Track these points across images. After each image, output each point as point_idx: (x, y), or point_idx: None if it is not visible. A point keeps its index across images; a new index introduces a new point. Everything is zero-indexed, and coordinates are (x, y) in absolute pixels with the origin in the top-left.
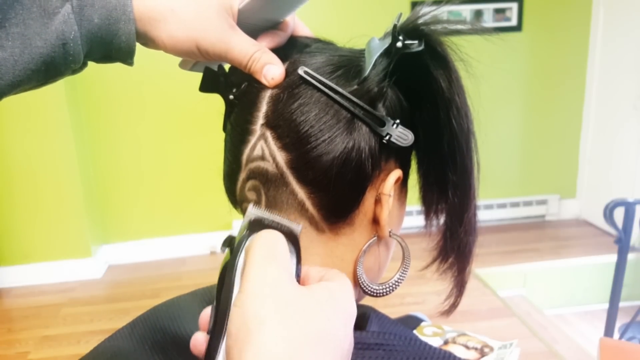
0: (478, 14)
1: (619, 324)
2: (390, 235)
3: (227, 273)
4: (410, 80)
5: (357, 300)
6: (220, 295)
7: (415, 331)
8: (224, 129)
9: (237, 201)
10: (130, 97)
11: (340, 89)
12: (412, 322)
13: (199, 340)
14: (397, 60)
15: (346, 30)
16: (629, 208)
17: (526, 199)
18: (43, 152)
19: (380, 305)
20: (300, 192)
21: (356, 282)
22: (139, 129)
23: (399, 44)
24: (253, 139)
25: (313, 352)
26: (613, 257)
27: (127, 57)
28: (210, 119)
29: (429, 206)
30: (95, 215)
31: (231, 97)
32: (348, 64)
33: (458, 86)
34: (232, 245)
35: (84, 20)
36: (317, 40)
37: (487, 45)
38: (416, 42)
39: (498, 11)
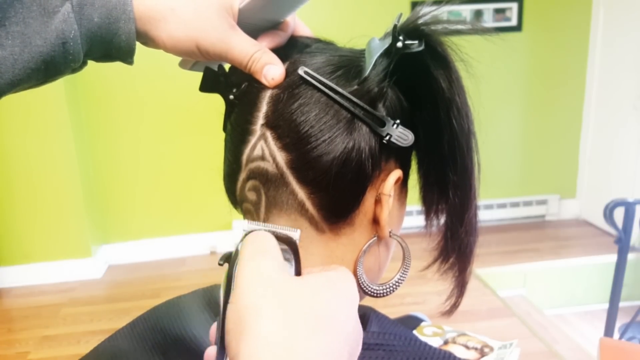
0: (478, 14)
1: (619, 324)
2: (390, 236)
3: (227, 285)
4: (410, 81)
5: None
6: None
7: (415, 331)
8: (224, 129)
9: (237, 201)
10: (131, 96)
11: (340, 89)
12: (412, 322)
13: (210, 356)
14: (397, 61)
15: (346, 30)
16: (629, 208)
17: (526, 199)
18: (43, 152)
19: (380, 305)
20: (301, 192)
21: (356, 283)
22: (139, 129)
23: (399, 44)
24: (253, 139)
25: (313, 335)
26: (613, 257)
27: (127, 56)
28: (210, 119)
29: (430, 206)
30: (95, 215)
31: (231, 97)
32: (348, 64)
33: (458, 86)
34: (230, 259)
35: (84, 19)
36: (318, 40)
37: (487, 45)
38: (416, 42)
39: (498, 11)
